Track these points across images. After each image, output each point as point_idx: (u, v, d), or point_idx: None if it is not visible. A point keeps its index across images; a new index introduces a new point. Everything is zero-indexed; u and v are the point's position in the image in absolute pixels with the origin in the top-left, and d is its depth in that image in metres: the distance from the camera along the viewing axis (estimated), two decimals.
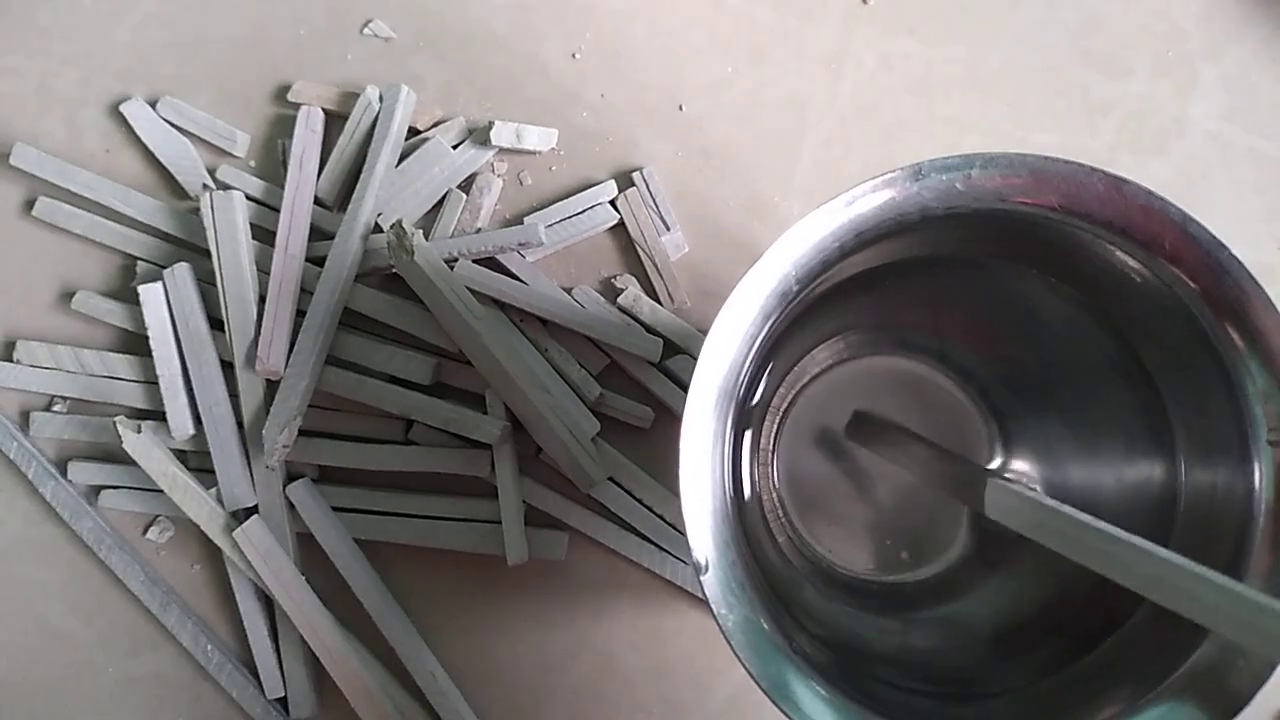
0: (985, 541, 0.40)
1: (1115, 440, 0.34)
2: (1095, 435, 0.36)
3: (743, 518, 0.29)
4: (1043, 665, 0.31)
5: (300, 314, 0.42)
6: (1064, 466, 0.38)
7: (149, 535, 0.44)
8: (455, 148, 0.45)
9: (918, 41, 0.46)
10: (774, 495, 0.41)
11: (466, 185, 0.45)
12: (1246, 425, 0.28)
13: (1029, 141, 0.46)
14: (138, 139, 0.45)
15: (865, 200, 0.27)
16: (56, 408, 0.44)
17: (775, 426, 0.41)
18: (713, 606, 0.26)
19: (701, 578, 0.26)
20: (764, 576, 0.30)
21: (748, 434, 0.38)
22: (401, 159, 0.44)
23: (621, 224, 0.45)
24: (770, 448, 0.41)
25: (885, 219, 0.27)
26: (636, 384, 0.44)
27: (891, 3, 0.46)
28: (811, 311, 0.32)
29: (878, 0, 0.46)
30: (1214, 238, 0.26)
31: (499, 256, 0.44)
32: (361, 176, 0.43)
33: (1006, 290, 0.34)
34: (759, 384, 0.35)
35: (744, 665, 0.27)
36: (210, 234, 0.42)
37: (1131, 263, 0.28)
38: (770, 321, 0.28)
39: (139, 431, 0.42)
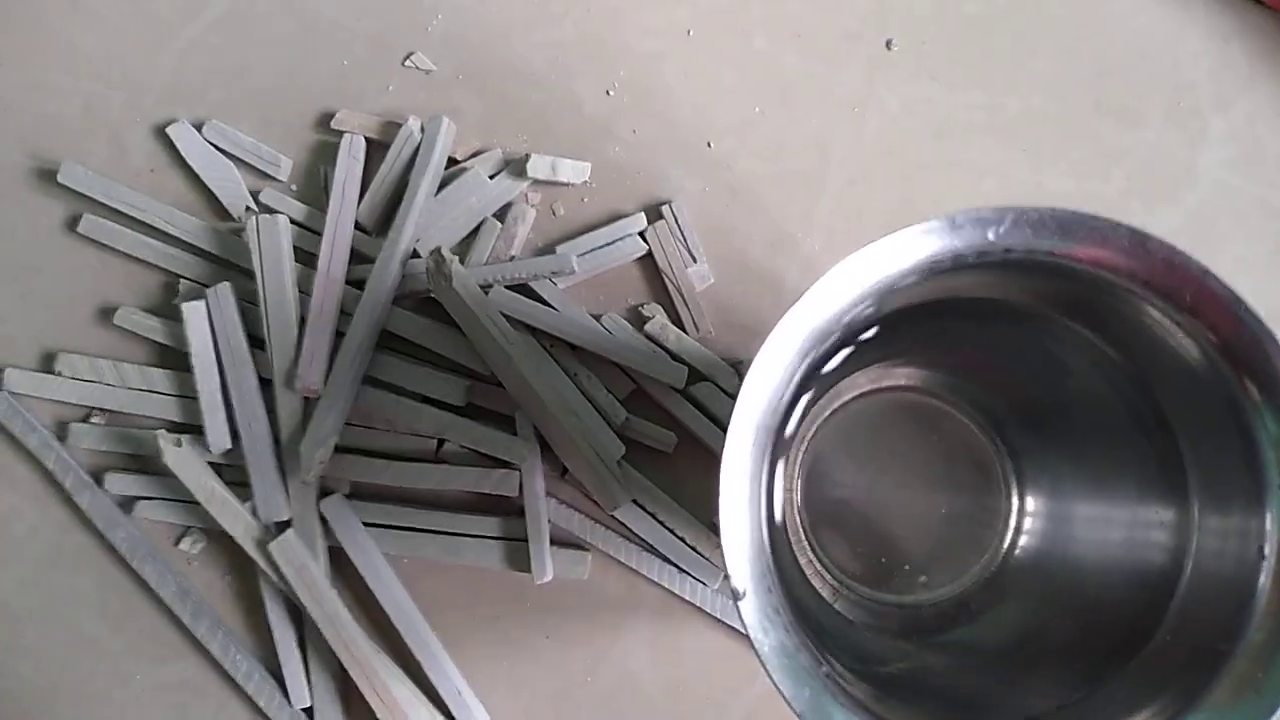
0: (1004, 564, 0.41)
1: (1129, 482, 0.35)
2: (1110, 476, 0.37)
3: (774, 545, 0.30)
4: (1066, 690, 0.32)
5: (339, 335, 0.44)
6: (1077, 505, 0.39)
7: (181, 546, 0.45)
8: (492, 178, 0.46)
9: (939, 87, 0.48)
10: (798, 521, 0.42)
11: (502, 214, 0.46)
12: (1260, 470, 0.29)
13: (1044, 186, 0.47)
14: (182, 160, 0.47)
15: (904, 246, 0.28)
16: (95, 419, 0.46)
17: (800, 455, 0.42)
18: (750, 632, 0.28)
19: (739, 604, 0.28)
20: (795, 604, 0.31)
21: (780, 464, 0.40)
22: (440, 188, 0.46)
23: (650, 255, 0.46)
24: (795, 475, 0.42)
25: (921, 264, 0.29)
26: (661, 409, 0.45)
27: (914, 49, 0.48)
28: (843, 348, 0.34)
29: (901, 46, 0.48)
30: (1233, 292, 0.28)
31: (531, 283, 0.45)
32: (402, 204, 0.45)
33: (1032, 334, 0.35)
34: (791, 416, 0.37)
35: (779, 689, 0.28)
36: (255, 256, 0.43)
37: (1153, 313, 0.29)
38: (807, 358, 0.29)
39: (180, 445, 0.43)
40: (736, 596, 0.28)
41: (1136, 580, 0.34)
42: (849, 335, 0.32)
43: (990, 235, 0.28)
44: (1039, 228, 0.28)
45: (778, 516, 0.40)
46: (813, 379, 0.34)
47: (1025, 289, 0.32)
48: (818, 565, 0.42)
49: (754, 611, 0.28)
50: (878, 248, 0.28)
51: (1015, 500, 0.42)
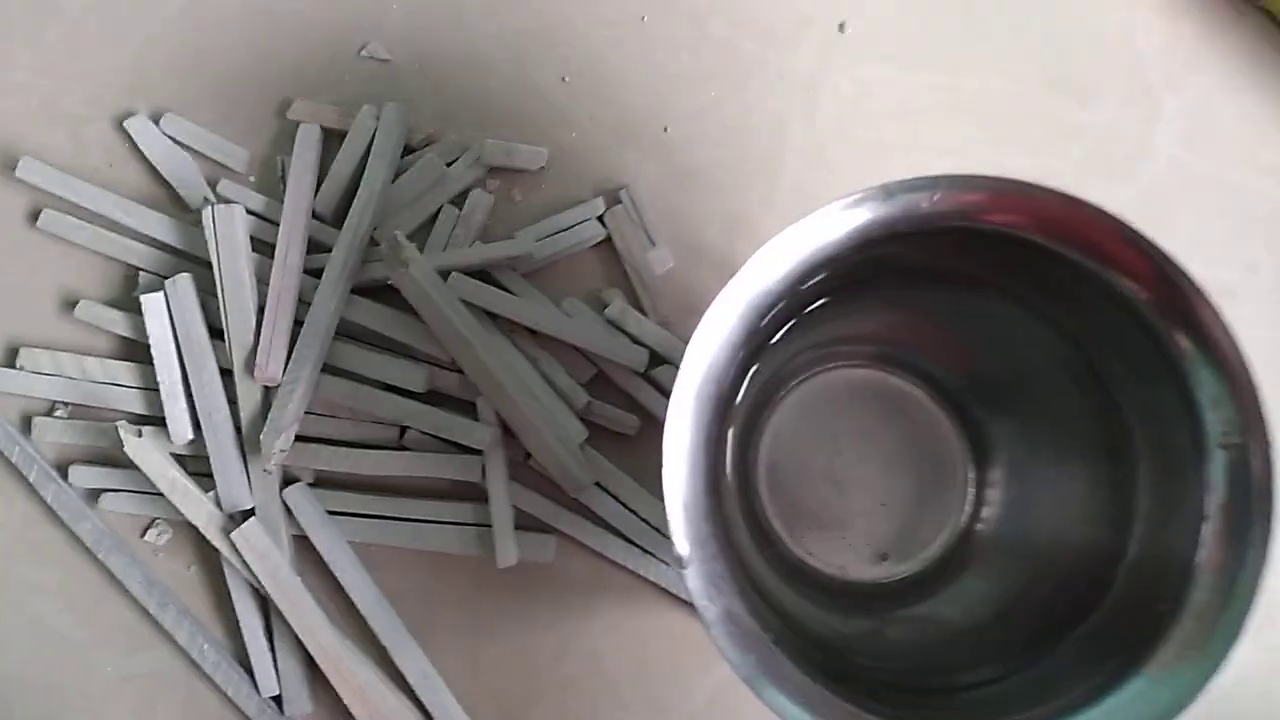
0: (963, 540, 0.41)
1: (1078, 447, 0.36)
2: (1060, 444, 0.37)
3: (724, 516, 0.30)
4: (1018, 657, 0.32)
5: (298, 324, 0.44)
6: (1034, 475, 0.40)
7: (147, 537, 0.45)
8: (449, 165, 0.46)
9: (894, 68, 0.48)
10: (755, 497, 0.42)
11: (459, 201, 0.46)
12: (1199, 430, 0.29)
13: (1002, 164, 0.48)
14: (141, 154, 0.47)
15: (837, 217, 0.28)
16: (58, 413, 0.46)
17: (757, 431, 0.43)
18: (694, 599, 0.28)
19: (683, 571, 0.28)
20: (744, 573, 0.31)
21: (730, 437, 0.40)
22: (397, 176, 0.46)
23: (608, 240, 0.46)
24: (752, 452, 0.42)
25: (856, 235, 0.29)
26: (623, 393, 0.45)
27: (868, 31, 0.48)
28: (790, 322, 0.34)
29: (854, 29, 0.48)
30: (1163, 251, 0.28)
31: (490, 270, 0.45)
32: (358, 192, 0.45)
33: (974, 304, 0.36)
34: (740, 389, 0.37)
35: (725, 656, 0.28)
36: (212, 246, 0.44)
37: (1087, 276, 0.29)
38: (749, 329, 0.29)
39: (140, 436, 0.43)
40: (680, 564, 0.28)
41: (1088, 545, 0.35)
42: (794, 307, 0.32)
43: (923, 204, 0.29)
44: (972, 194, 0.29)
45: (735, 491, 0.41)
46: (762, 351, 0.34)
47: (965, 259, 0.32)
48: (776, 542, 0.42)
49: (698, 578, 0.28)
50: (812, 220, 0.29)
51: (974, 473, 0.42)
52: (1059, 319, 0.33)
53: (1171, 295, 0.28)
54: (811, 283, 0.29)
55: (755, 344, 0.30)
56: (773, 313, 0.29)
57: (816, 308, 0.34)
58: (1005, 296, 0.33)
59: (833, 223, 0.28)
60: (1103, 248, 0.28)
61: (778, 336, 0.34)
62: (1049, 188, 0.28)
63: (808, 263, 0.28)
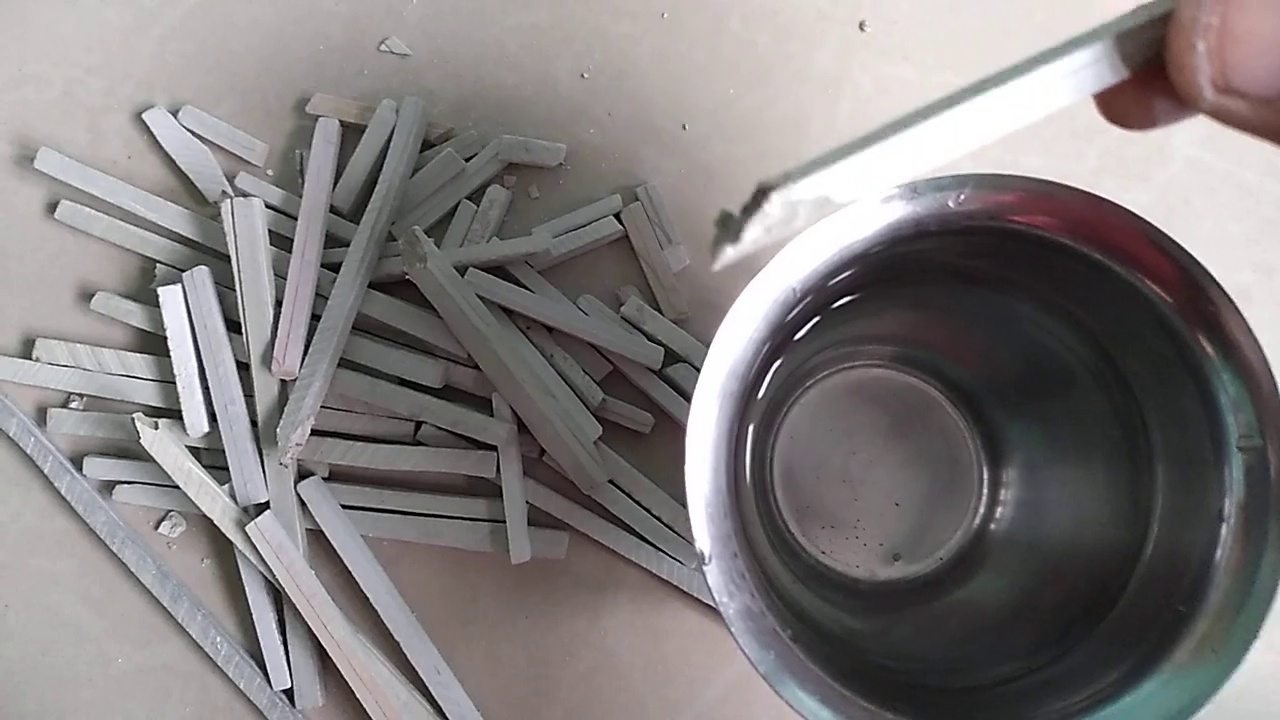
0: (977, 540, 0.41)
1: (1097, 448, 0.36)
2: (1079, 445, 0.37)
3: (742, 514, 0.30)
4: (1035, 655, 0.32)
5: (315, 318, 0.44)
6: (1050, 476, 0.40)
7: (161, 530, 0.45)
8: (467, 160, 0.46)
9: (913, 68, 0.48)
10: (770, 495, 0.42)
11: (477, 196, 0.46)
12: (1219, 432, 0.29)
13: (1018, 165, 0.48)
14: (159, 146, 0.47)
15: (864, 215, 0.28)
16: (73, 405, 0.46)
17: (774, 430, 0.43)
18: (714, 595, 0.28)
19: (704, 568, 0.28)
20: (762, 571, 0.31)
21: (750, 435, 0.40)
22: (415, 170, 0.46)
23: (626, 236, 0.46)
24: (768, 451, 0.42)
25: (882, 233, 0.29)
26: (638, 390, 0.45)
27: (888, 31, 0.48)
28: (812, 320, 0.34)
29: (874, 28, 0.48)
30: (1188, 254, 0.28)
31: (508, 266, 0.45)
32: (376, 186, 0.45)
33: (997, 304, 0.36)
34: (762, 384, 0.37)
35: (744, 652, 0.28)
36: (230, 239, 0.44)
37: (1112, 277, 0.29)
38: (772, 327, 0.29)
39: (156, 428, 0.43)
40: (701, 561, 0.28)
41: (1105, 545, 0.35)
42: (820, 303, 0.32)
43: (950, 202, 0.29)
44: (999, 194, 0.29)
45: (750, 490, 0.41)
46: (785, 347, 0.34)
47: (989, 258, 0.32)
48: (791, 541, 0.42)
49: (718, 575, 0.28)
50: (837, 218, 0.29)
51: (989, 473, 0.42)
52: (1082, 320, 0.33)
53: (1195, 298, 0.28)
54: (838, 279, 0.29)
55: (779, 339, 0.30)
56: (798, 308, 0.29)
57: (841, 305, 0.34)
58: (1029, 297, 0.33)
59: (861, 219, 0.28)
60: (1128, 250, 0.28)
61: (802, 333, 0.34)
62: (1076, 188, 0.28)
63: (835, 258, 0.28)
